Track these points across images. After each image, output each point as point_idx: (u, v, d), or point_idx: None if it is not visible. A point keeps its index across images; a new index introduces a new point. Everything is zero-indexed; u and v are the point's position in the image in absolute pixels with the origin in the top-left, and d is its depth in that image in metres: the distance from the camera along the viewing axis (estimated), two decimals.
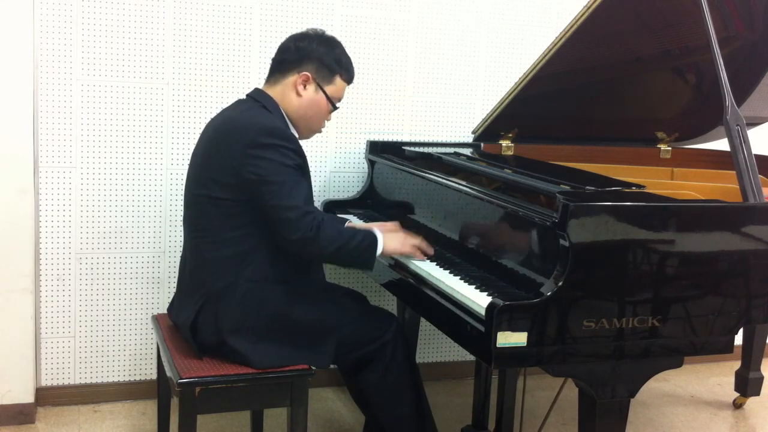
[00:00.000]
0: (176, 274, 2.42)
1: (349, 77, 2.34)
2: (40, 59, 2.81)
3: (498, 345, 1.77)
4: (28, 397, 2.87)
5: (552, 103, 2.83)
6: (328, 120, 2.38)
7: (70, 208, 2.92)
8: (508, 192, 2.22)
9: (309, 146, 3.00)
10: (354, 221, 2.59)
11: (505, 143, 2.96)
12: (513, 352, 1.79)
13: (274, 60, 2.32)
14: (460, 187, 2.33)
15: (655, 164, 3.05)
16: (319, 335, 2.21)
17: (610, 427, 1.97)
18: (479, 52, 3.35)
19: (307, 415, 2.18)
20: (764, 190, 2.16)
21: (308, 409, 2.19)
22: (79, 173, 2.91)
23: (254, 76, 3.03)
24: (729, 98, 2.17)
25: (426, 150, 2.93)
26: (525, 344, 1.80)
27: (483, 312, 1.82)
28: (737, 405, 3.40)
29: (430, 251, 2.33)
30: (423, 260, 2.29)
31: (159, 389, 2.52)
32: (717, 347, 2.00)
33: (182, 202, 2.96)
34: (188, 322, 2.19)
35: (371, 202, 3.03)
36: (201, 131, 2.33)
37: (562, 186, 2.05)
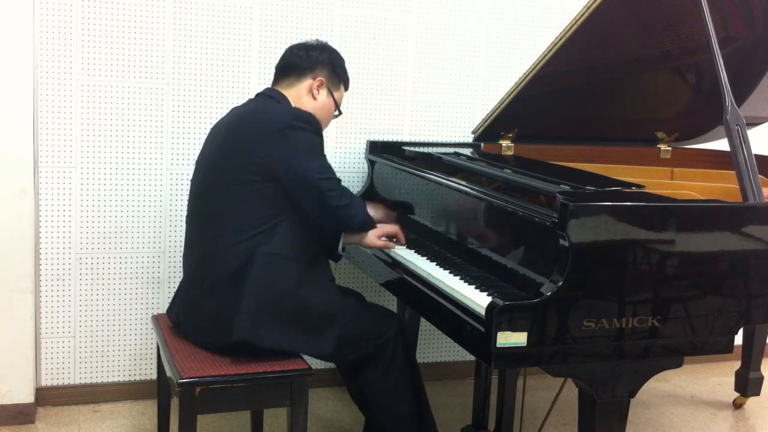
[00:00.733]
0: (176, 274, 2.43)
1: (348, 85, 2.49)
2: (40, 59, 2.81)
3: (498, 345, 1.77)
4: (28, 397, 2.87)
5: (552, 103, 2.83)
6: (328, 124, 2.48)
7: (70, 208, 2.92)
8: (508, 192, 2.22)
9: None
10: None
11: (505, 143, 2.96)
12: (513, 352, 1.79)
13: (283, 65, 2.40)
14: (460, 187, 2.33)
15: (655, 164, 3.05)
16: (322, 322, 2.23)
17: (610, 427, 1.97)
18: (479, 52, 3.35)
19: (307, 415, 2.18)
20: (764, 190, 2.16)
21: (308, 409, 2.19)
22: (79, 173, 2.91)
23: (254, 76, 3.03)
24: (729, 98, 2.17)
25: (426, 150, 2.93)
26: (525, 344, 1.80)
27: (483, 312, 1.82)
28: (737, 405, 3.41)
29: (402, 240, 2.47)
30: (402, 246, 2.45)
31: (159, 389, 2.52)
32: (717, 347, 2.00)
33: (182, 202, 2.98)
34: (212, 305, 2.20)
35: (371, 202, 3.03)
36: (202, 130, 2.33)
37: (562, 186, 2.05)
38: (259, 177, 2.18)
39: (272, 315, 2.17)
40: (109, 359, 3.06)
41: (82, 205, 2.93)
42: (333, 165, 3.17)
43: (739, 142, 2.14)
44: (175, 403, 2.17)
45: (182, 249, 2.40)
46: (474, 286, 2.04)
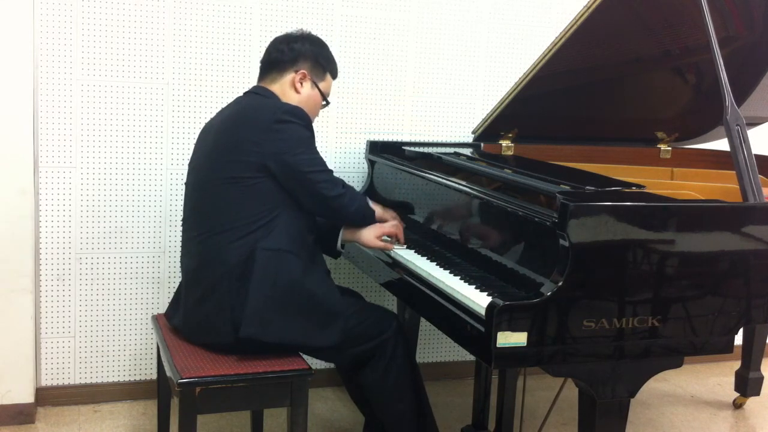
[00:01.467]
0: (176, 274, 2.43)
1: (335, 73, 2.49)
2: (40, 59, 2.81)
3: (498, 345, 1.77)
4: (28, 397, 2.87)
5: (552, 103, 2.83)
6: (316, 116, 2.47)
7: (70, 208, 2.92)
8: (508, 192, 2.22)
9: None
10: None
11: (505, 143, 2.96)
12: (513, 352, 1.79)
13: (266, 60, 2.40)
14: (460, 187, 2.33)
15: (655, 164, 3.05)
16: (327, 315, 2.24)
17: (610, 427, 1.97)
18: (479, 52, 3.35)
19: (307, 415, 2.18)
20: (764, 190, 2.16)
21: (308, 409, 2.19)
22: (79, 173, 2.91)
23: (254, 76, 3.01)
24: (729, 98, 2.17)
25: (426, 150, 2.93)
26: (525, 344, 1.80)
27: (483, 312, 1.82)
28: (737, 405, 3.41)
29: (399, 228, 2.47)
30: (402, 247, 2.45)
31: (159, 389, 2.52)
32: (717, 347, 2.00)
33: (182, 202, 2.97)
34: (213, 304, 2.20)
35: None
36: (200, 131, 2.34)
37: (562, 186, 2.05)
38: (253, 173, 2.18)
39: (280, 309, 2.17)
40: (109, 359, 3.06)
41: (82, 205, 2.93)
42: (333, 165, 3.21)
43: (739, 142, 2.14)
44: (175, 403, 2.17)
45: (181, 248, 2.40)
46: (474, 286, 2.04)
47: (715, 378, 3.69)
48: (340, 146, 3.22)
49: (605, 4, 2.35)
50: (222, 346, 2.19)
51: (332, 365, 2.95)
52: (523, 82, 2.64)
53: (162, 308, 3.03)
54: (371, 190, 3.04)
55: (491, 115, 2.86)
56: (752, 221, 2.01)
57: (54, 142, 2.87)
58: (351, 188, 2.35)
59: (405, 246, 2.46)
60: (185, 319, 2.29)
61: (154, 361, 3.05)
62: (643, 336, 1.91)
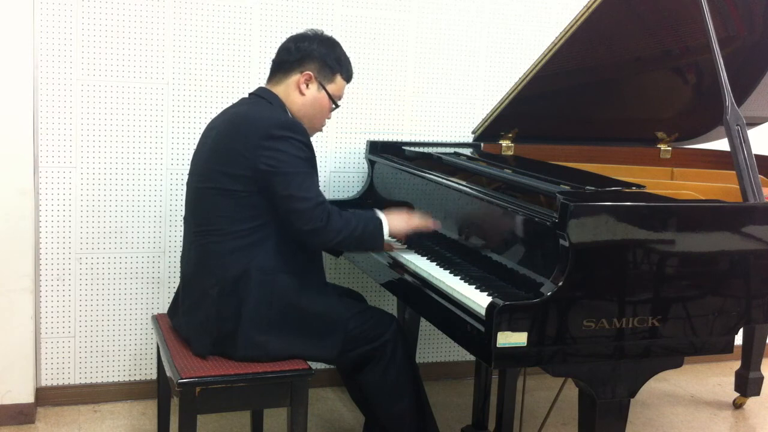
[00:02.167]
0: (176, 274, 2.43)
1: (348, 76, 2.38)
2: (40, 59, 2.81)
3: (498, 345, 1.77)
4: (28, 397, 2.87)
5: (552, 103, 2.83)
6: (328, 118, 2.42)
7: (70, 208, 2.92)
8: (508, 192, 2.22)
9: None
10: None
11: (505, 143, 2.96)
12: (513, 352, 1.79)
13: (275, 61, 2.35)
14: (460, 187, 2.33)
15: (655, 164, 3.06)
16: (327, 327, 2.23)
17: (610, 427, 1.97)
18: (479, 52, 3.35)
19: (307, 415, 2.18)
20: (764, 190, 2.16)
21: (308, 409, 2.19)
22: (79, 173, 2.91)
23: (254, 76, 3.03)
24: (729, 98, 2.17)
25: (426, 150, 2.93)
26: (525, 344, 1.80)
27: (483, 312, 1.82)
28: (737, 405, 3.41)
29: (437, 225, 2.38)
30: (430, 230, 2.38)
31: (159, 389, 2.52)
32: (717, 347, 2.00)
33: (182, 202, 2.97)
34: (201, 315, 2.19)
35: (371, 202, 3.03)
36: (202, 130, 2.33)
37: (562, 186, 2.05)
38: (244, 186, 2.15)
39: (277, 328, 2.17)
40: (109, 359, 3.06)
41: (82, 205, 2.93)
42: (333, 165, 3.21)
43: (739, 142, 2.14)
44: (175, 403, 2.17)
45: (182, 248, 2.40)
46: (474, 286, 2.04)
47: (715, 378, 3.69)
48: (340, 146, 3.22)
49: (605, 4, 2.35)
50: (215, 353, 2.19)
51: (332, 365, 2.94)
52: (523, 82, 2.64)
53: (162, 308, 3.03)
54: (371, 190, 3.04)
55: (491, 115, 2.86)
56: (752, 221, 2.01)
57: (54, 142, 2.87)
58: (338, 221, 2.19)
59: (405, 246, 2.46)
60: (181, 321, 2.29)
61: (154, 361, 3.05)
62: (643, 336, 1.91)
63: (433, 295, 2.12)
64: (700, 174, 2.88)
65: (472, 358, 3.05)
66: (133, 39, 2.90)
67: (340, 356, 2.29)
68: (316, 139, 2.99)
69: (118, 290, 3.02)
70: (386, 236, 2.29)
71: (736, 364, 3.41)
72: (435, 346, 3.51)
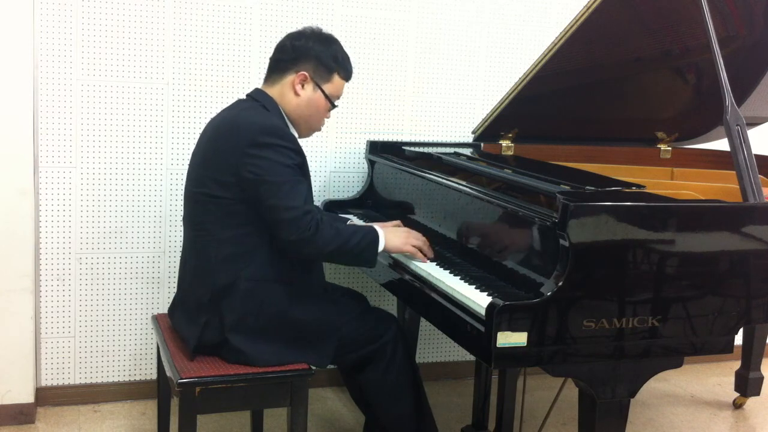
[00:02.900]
0: (176, 274, 2.42)
1: (347, 75, 2.33)
2: (40, 59, 2.81)
3: (498, 345, 1.77)
4: (28, 397, 2.87)
5: (552, 103, 2.83)
6: (327, 118, 2.38)
7: (70, 208, 2.92)
8: (508, 192, 2.22)
9: (309, 146, 3.00)
10: (355, 221, 2.60)
11: (505, 143, 2.96)
12: (513, 352, 1.79)
13: (271, 59, 2.32)
14: (460, 187, 2.33)
15: (655, 164, 3.05)
16: (318, 335, 2.22)
17: (610, 427, 1.97)
18: (479, 52, 3.35)
19: (307, 415, 2.18)
20: (764, 190, 2.16)
21: (308, 409, 2.19)
22: (79, 173, 2.91)
23: (254, 76, 3.03)
24: (729, 98, 2.17)
25: (426, 150, 2.93)
26: (525, 344, 1.80)
27: (483, 312, 1.82)
28: (737, 405, 3.40)
29: (431, 254, 2.32)
30: (424, 262, 2.28)
31: (159, 389, 2.52)
32: (717, 347, 2.00)
33: (182, 202, 2.97)
34: (193, 323, 2.20)
35: (371, 202, 3.03)
36: (201, 131, 2.33)
37: (562, 186, 2.05)
38: (230, 194, 2.12)
39: (269, 337, 2.16)
40: (109, 359, 3.06)
41: (82, 205, 2.93)
42: (333, 165, 3.21)
43: (739, 142, 2.14)
44: (175, 403, 2.17)
45: (182, 248, 2.40)
46: (474, 286, 2.04)
47: (715, 378, 3.69)
48: (340, 146, 3.22)
49: (605, 4, 2.35)
50: (213, 355, 2.19)
51: (332, 365, 2.94)
52: (523, 82, 2.64)
53: (162, 308, 3.03)
54: (371, 190, 3.04)
55: (491, 115, 2.86)
56: (752, 221, 2.01)
57: (54, 142, 2.87)
58: (337, 229, 2.16)
59: (428, 261, 2.30)
60: (180, 322, 2.29)
61: (154, 361, 3.05)
62: (643, 336, 1.91)
63: (433, 295, 2.12)
64: (700, 174, 2.88)
65: (472, 358, 3.05)
66: (133, 39, 2.90)
67: (336, 361, 2.29)
68: (315, 139, 3.01)
69: (118, 290, 3.02)
70: (380, 250, 2.23)
71: (736, 364, 3.41)
72: (435, 346, 3.51)
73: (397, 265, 2.39)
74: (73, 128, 2.88)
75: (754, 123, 3.02)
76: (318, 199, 3.03)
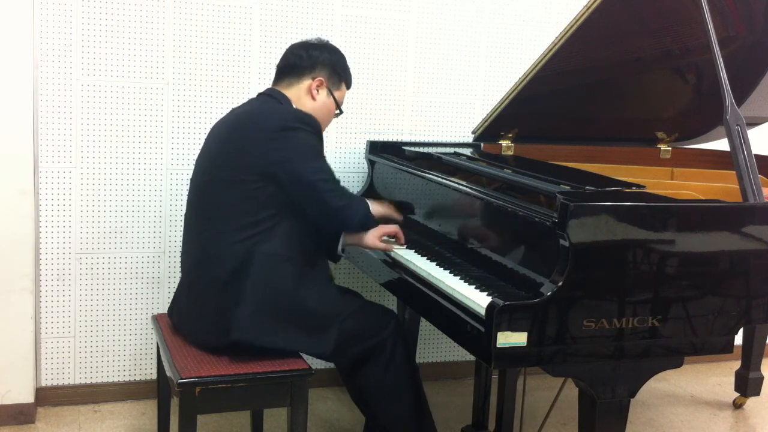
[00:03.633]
0: (176, 274, 2.43)
1: (350, 83, 2.49)
2: (40, 59, 2.81)
3: (498, 345, 1.77)
4: (28, 397, 2.87)
5: (552, 103, 2.83)
6: (329, 123, 2.48)
7: (70, 208, 2.92)
8: (508, 192, 2.22)
9: None
10: None
11: (505, 143, 2.96)
12: (513, 352, 1.79)
13: (284, 65, 2.40)
14: (460, 187, 2.33)
15: (655, 164, 3.05)
16: (321, 321, 2.24)
17: (610, 427, 1.97)
18: (479, 52, 3.35)
19: (307, 415, 2.18)
20: (764, 190, 2.16)
21: (308, 409, 2.20)
22: (79, 173, 2.91)
23: (254, 76, 3.03)
24: (729, 98, 2.17)
25: (426, 150, 2.93)
26: (525, 344, 1.80)
27: (483, 312, 1.82)
28: (737, 405, 3.41)
29: (399, 217, 2.51)
30: (402, 247, 2.44)
31: (159, 389, 2.52)
32: (717, 347, 2.00)
33: (182, 202, 2.98)
34: (206, 304, 2.21)
35: None
36: (201, 130, 2.34)
37: (562, 186, 2.05)
38: (257, 177, 2.18)
39: (271, 315, 2.17)
40: (109, 359, 3.06)
41: (82, 205, 2.93)
42: (333, 165, 3.18)
43: (739, 142, 2.14)
44: (175, 403, 2.17)
45: (182, 246, 2.40)
46: (474, 286, 2.04)
47: (715, 378, 3.69)
48: (340, 146, 3.22)
49: (605, 4, 2.35)
50: (216, 347, 2.19)
51: (332, 365, 2.94)
52: (523, 82, 2.64)
53: (162, 308, 3.03)
54: (371, 190, 3.04)
55: (491, 115, 2.86)
56: (752, 221, 2.01)
57: (54, 142, 2.87)
58: (355, 197, 2.35)
59: (405, 246, 2.46)
60: (185, 317, 2.30)
61: (154, 361, 3.05)
62: (643, 336, 1.91)
63: (433, 295, 2.12)
64: (700, 174, 2.88)
65: (472, 358, 3.05)
66: (133, 39, 2.90)
67: (337, 354, 2.29)
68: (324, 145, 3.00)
69: (118, 290, 3.02)
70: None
71: (736, 364, 3.41)
72: (435, 346, 3.51)
73: (396, 265, 2.39)
74: (73, 128, 2.89)
75: (754, 123, 3.02)
76: None
